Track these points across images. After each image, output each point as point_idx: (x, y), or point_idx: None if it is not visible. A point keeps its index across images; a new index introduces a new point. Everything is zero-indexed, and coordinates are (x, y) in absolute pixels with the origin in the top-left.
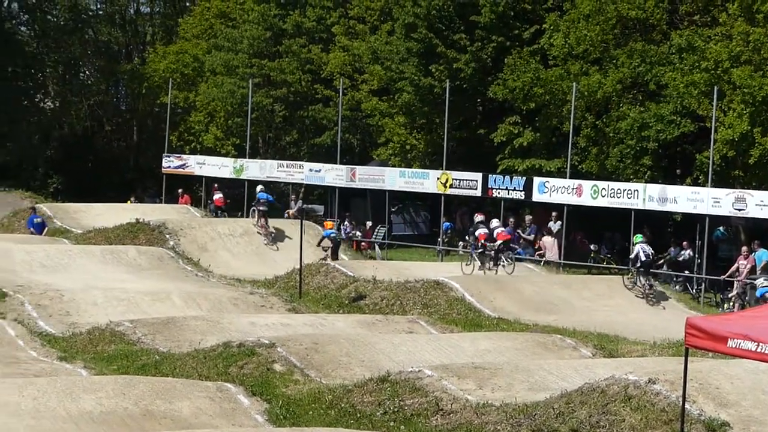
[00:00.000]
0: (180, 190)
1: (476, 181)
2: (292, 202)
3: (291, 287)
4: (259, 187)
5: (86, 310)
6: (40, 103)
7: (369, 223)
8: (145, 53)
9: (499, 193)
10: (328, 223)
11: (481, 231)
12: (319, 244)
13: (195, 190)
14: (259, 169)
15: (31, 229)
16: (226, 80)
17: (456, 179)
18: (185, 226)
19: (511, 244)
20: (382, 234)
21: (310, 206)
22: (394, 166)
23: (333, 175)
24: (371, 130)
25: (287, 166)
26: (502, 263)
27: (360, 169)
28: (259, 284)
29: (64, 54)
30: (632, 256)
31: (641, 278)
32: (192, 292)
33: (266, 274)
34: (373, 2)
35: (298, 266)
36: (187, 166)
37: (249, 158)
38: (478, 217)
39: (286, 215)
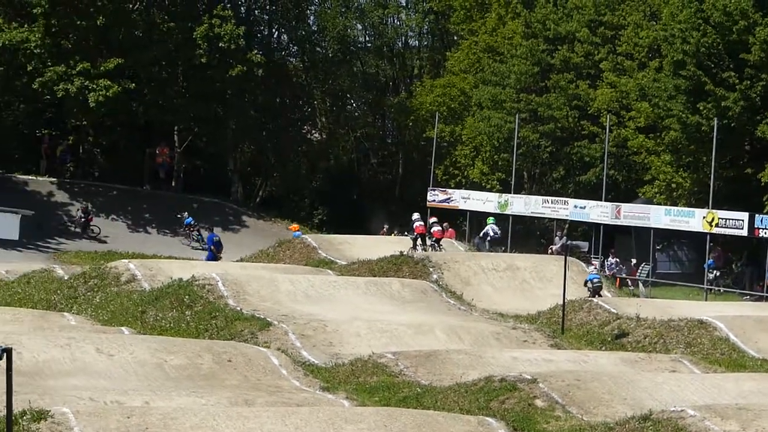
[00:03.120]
0: (445, 224)
1: (742, 220)
2: (557, 238)
3: (553, 323)
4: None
5: (349, 341)
6: (307, 135)
7: (633, 261)
8: (412, 86)
9: (766, 233)
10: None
11: (418, 224)
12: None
13: (459, 224)
14: (523, 205)
15: (211, 246)
16: (493, 114)
17: (722, 218)
18: (449, 260)
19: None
20: (647, 272)
21: (574, 243)
22: (659, 204)
23: (598, 212)
24: (637, 167)
25: (552, 202)
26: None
27: (625, 207)
28: (522, 319)
29: (332, 86)
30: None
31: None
32: (455, 325)
33: (529, 309)
34: (641, 39)
35: (561, 302)
36: (452, 201)
37: (514, 193)
38: (415, 215)
39: (549, 251)
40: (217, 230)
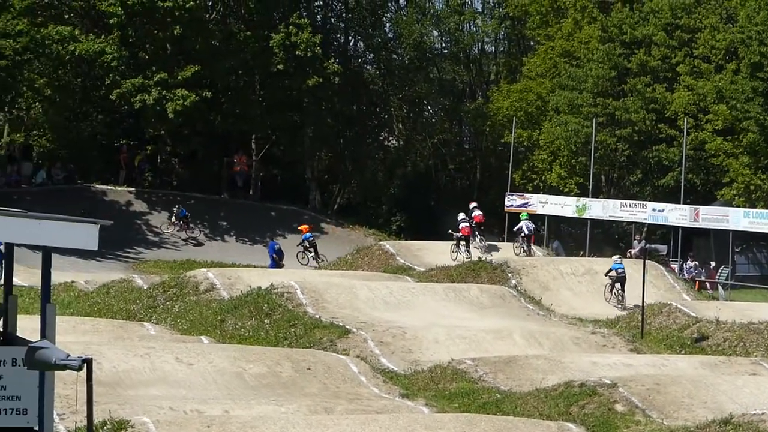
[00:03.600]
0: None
1: None
2: (635, 242)
3: (633, 327)
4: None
5: (428, 347)
6: (384, 141)
7: (712, 264)
8: (488, 92)
9: None
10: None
11: (464, 225)
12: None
13: (537, 228)
14: (601, 208)
15: (274, 255)
16: (570, 119)
17: None
18: (527, 265)
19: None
20: (726, 274)
21: (652, 246)
22: (738, 206)
23: (676, 215)
24: (715, 170)
25: (630, 206)
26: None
27: (703, 209)
28: (601, 323)
29: (408, 92)
30: (515, 228)
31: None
32: (534, 330)
33: (608, 313)
34: (718, 41)
35: (640, 306)
36: (530, 205)
37: (591, 197)
38: (461, 215)
39: (628, 255)
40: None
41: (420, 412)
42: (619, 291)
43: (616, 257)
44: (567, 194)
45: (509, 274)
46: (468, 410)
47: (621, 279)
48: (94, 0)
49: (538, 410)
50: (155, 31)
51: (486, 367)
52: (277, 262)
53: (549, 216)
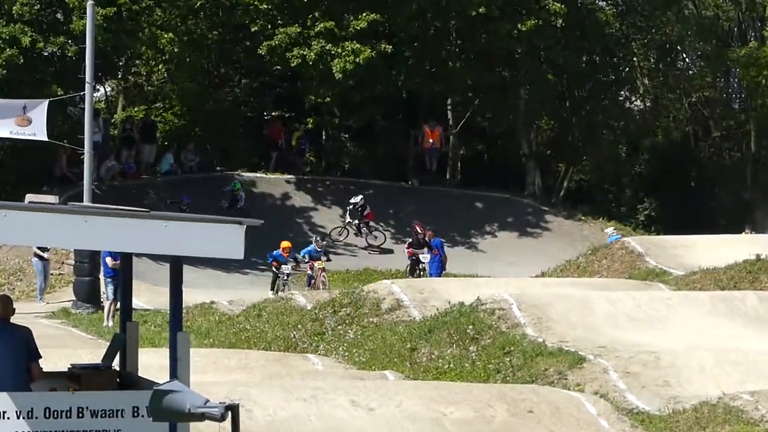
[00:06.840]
0: None
1: None
2: None
3: None
4: None
5: (690, 378)
6: (625, 103)
7: None
8: (764, 31)
9: None
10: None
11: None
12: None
13: None
14: None
15: (443, 254)
16: None
17: None
18: None
19: None
20: None
21: None
22: None
23: None
24: None
25: None
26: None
27: None
28: None
29: (656, 36)
30: None
31: None
32: None
33: None
34: None
35: None
36: None
37: None
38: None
39: None
40: (509, 234)
41: None
42: None
43: (609, 230)
44: None
45: None
46: None
47: None
48: None
49: None
50: None
51: None
52: (443, 261)
53: None
